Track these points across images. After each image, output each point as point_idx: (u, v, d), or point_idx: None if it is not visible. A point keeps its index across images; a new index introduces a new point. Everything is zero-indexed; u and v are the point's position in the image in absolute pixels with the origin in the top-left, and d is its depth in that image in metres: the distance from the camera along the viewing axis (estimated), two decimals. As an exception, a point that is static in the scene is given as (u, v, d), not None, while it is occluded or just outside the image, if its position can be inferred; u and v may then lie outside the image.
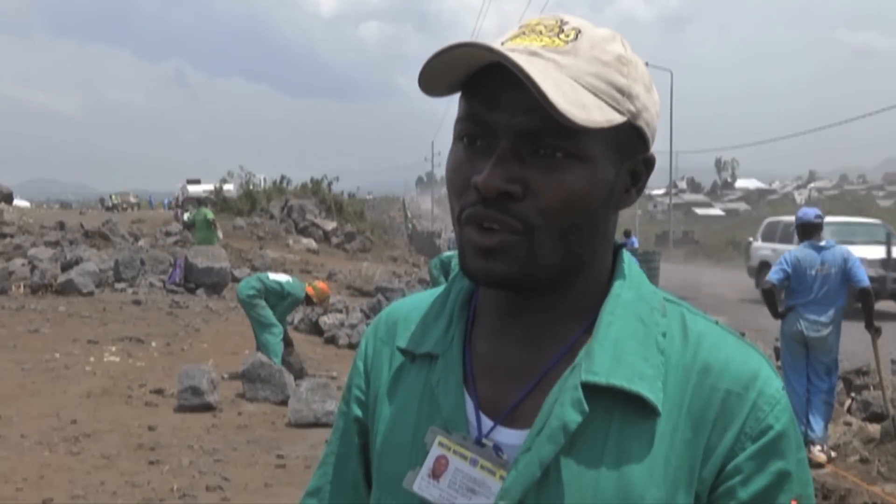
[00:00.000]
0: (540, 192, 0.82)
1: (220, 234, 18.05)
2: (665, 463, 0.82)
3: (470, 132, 0.85)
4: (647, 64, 0.92)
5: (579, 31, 0.84)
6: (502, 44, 0.84)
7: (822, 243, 6.20)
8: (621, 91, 0.83)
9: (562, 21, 0.85)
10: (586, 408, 0.82)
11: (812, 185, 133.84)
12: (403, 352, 0.98)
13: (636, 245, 22.62)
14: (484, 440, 0.88)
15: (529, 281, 0.85)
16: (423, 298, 1.03)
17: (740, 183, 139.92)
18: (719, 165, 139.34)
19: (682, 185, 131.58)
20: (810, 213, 6.44)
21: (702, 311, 0.93)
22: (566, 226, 0.84)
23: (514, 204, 0.82)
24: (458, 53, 0.80)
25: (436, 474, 0.88)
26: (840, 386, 7.58)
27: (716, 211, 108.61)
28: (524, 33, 0.85)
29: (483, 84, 0.83)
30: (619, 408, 0.84)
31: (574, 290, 0.90)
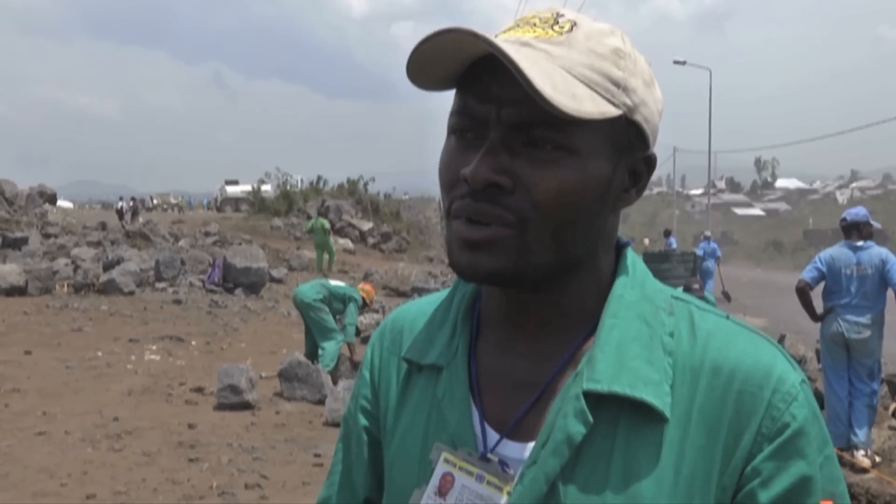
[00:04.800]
0: (532, 186, 0.78)
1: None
2: (675, 472, 0.78)
3: (461, 125, 0.83)
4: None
5: (575, 24, 0.81)
6: (496, 37, 0.79)
7: (860, 243, 6.09)
8: (616, 83, 0.80)
9: (557, 14, 0.83)
10: (590, 418, 0.79)
11: (854, 184, 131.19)
12: (409, 362, 0.95)
13: (674, 245, 22.35)
14: (489, 455, 0.84)
15: (520, 277, 0.81)
16: (429, 303, 1.00)
17: (780, 183, 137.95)
18: (759, 165, 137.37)
19: (721, 184, 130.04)
20: (852, 212, 6.37)
21: (712, 307, 0.88)
22: (560, 221, 0.80)
23: (505, 197, 0.79)
24: (445, 41, 0.77)
25: (442, 492, 0.86)
26: (884, 389, 7.44)
27: (756, 211, 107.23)
28: (518, 26, 0.82)
29: (475, 77, 0.80)
30: (624, 416, 0.80)
31: (572, 292, 0.86)
